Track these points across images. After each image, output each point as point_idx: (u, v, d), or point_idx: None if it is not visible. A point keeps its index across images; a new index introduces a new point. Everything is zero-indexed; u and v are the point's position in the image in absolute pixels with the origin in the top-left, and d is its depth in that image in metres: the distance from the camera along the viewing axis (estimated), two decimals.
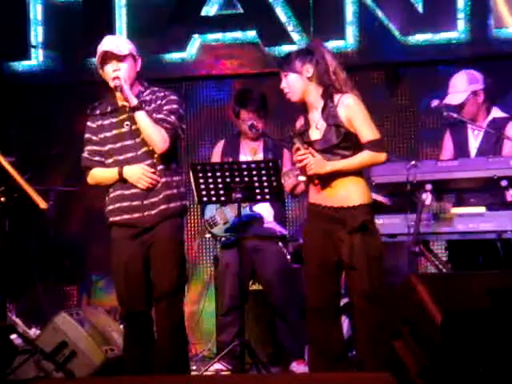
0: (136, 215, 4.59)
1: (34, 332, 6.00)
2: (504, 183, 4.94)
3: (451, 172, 5.06)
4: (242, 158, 5.91)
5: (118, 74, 4.56)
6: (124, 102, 4.63)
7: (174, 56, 7.31)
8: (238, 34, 7.23)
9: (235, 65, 7.27)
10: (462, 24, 6.80)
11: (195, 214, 7.14)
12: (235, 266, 5.48)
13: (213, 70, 7.33)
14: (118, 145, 4.63)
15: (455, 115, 5.51)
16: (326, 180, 4.41)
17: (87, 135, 4.72)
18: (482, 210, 5.09)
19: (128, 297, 4.61)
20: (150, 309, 4.66)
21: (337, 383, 4.21)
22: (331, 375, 4.36)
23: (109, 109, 4.69)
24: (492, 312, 3.16)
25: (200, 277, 7.20)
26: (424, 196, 5.00)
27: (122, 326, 5.19)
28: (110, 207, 4.66)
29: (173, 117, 4.60)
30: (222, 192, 5.18)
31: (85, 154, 4.72)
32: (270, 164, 5.13)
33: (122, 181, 4.61)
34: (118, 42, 4.68)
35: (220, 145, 6.12)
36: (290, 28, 7.07)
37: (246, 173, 5.11)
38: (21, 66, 7.54)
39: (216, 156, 6.06)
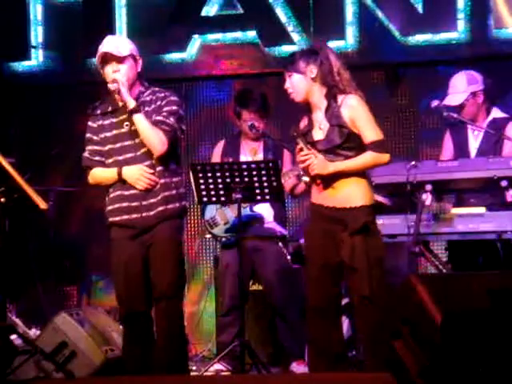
0: (135, 216, 4.59)
1: (34, 332, 6.00)
2: (504, 183, 4.93)
3: (451, 172, 5.06)
4: (242, 158, 5.90)
5: (117, 75, 4.55)
6: None
7: (174, 56, 7.31)
8: (238, 35, 7.22)
9: (235, 65, 7.27)
10: (461, 24, 6.80)
11: (195, 215, 7.13)
12: (235, 266, 5.48)
13: (213, 71, 7.32)
14: (118, 145, 4.63)
15: (455, 115, 5.51)
16: (328, 180, 4.41)
17: (88, 135, 4.72)
18: (482, 210, 5.09)
19: (128, 297, 4.61)
20: (150, 309, 4.66)
21: (337, 383, 4.21)
22: (331, 375, 4.36)
23: (109, 109, 4.68)
24: (492, 312, 3.16)
25: (200, 277, 7.20)
26: (424, 196, 5.00)
27: (121, 326, 5.19)
28: (110, 207, 4.66)
29: (172, 118, 4.59)
30: (222, 192, 5.19)
31: (85, 154, 4.72)
32: (270, 164, 5.14)
33: (122, 181, 4.60)
34: (118, 42, 4.67)
35: (220, 145, 6.12)
36: (290, 28, 7.07)
37: (246, 173, 5.11)
38: (21, 66, 7.54)
39: (216, 156, 6.06)
